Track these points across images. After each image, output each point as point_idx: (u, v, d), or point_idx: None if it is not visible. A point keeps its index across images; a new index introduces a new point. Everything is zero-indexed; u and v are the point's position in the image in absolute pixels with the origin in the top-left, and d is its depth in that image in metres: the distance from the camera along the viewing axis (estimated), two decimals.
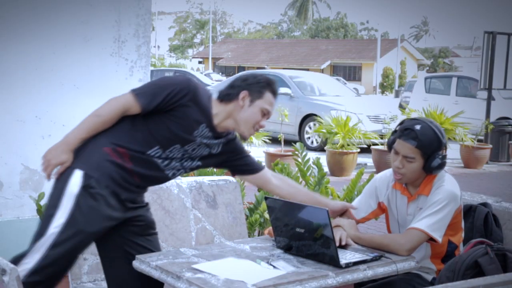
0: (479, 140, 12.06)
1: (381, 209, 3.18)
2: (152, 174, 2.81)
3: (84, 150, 2.82)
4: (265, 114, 2.91)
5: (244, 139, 2.98)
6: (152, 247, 2.92)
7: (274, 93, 2.93)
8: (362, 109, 12.90)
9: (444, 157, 2.97)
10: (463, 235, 3.09)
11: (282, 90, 13.69)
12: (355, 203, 3.24)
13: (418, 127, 2.92)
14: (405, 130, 2.94)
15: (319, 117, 11.88)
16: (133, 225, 2.89)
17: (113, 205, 2.76)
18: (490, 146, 12.00)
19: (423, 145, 2.90)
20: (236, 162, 3.07)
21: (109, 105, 2.82)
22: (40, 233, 2.77)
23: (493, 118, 12.97)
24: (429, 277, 3.03)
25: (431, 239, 2.89)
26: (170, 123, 2.78)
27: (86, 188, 2.71)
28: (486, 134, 12.29)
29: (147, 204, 3.00)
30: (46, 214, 2.77)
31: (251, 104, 2.87)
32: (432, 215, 2.88)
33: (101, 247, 2.94)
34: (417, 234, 2.85)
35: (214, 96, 2.93)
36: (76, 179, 2.72)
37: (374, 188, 3.21)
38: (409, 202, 3.06)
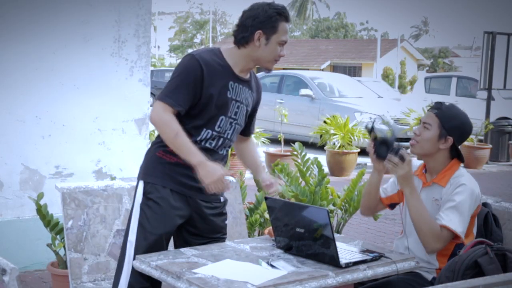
0: (479, 140, 12.07)
1: (400, 196, 3.19)
2: (209, 158, 2.82)
3: (143, 161, 3.01)
4: (283, 44, 2.90)
5: (269, 70, 2.99)
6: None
7: (287, 19, 2.89)
8: (385, 111, 12.04)
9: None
10: (474, 238, 3.09)
11: (303, 91, 13.47)
12: (387, 184, 3.29)
13: (447, 103, 3.08)
14: (434, 104, 3.09)
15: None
16: (194, 225, 2.97)
17: (177, 204, 2.87)
18: (490, 146, 12.00)
19: (444, 115, 3.01)
20: (251, 118, 3.11)
21: (164, 124, 2.81)
22: (122, 252, 2.92)
23: (493, 118, 12.97)
24: (429, 276, 3.03)
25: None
26: (206, 102, 2.82)
27: (145, 195, 2.87)
28: (486, 134, 12.29)
29: (222, 206, 3.05)
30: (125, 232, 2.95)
31: (267, 42, 2.85)
32: (461, 215, 2.92)
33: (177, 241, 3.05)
34: (448, 235, 2.92)
35: (225, 46, 2.97)
36: (139, 190, 2.90)
37: None
38: (423, 187, 3.09)
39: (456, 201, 2.94)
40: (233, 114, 2.92)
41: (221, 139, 2.92)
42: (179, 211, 2.89)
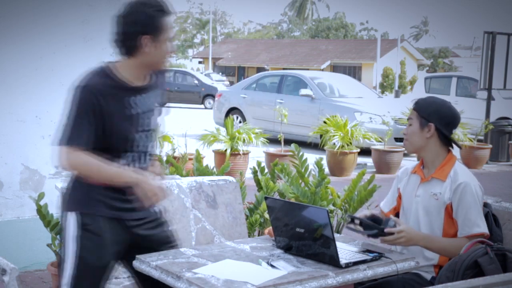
0: (479, 140, 12.06)
1: (399, 196, 3.25)
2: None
3: (71, 191, 2.78)
4: (172, 39, 2.72)
5: (163, 70, 2.86)
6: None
7: (168, 12, 2.68)
8: (386, 111, 12.08)
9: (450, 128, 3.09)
10: None
11: (303, 91, 13.45)
12: (386, 198, 3.35)
13: (425, 97, 3.19)
14: (415, 101, 3.19)
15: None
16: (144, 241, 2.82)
17: (116, 231, 2.74)
18: (490, 146, 12.00)
19: (420, 106, 3.11)
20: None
21: (81, 167, 2.65)
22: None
23: (493, 118, 12.97)
24: (428, 276, 3.03)
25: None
26: (111, 129, 2.66)
27: (83, 227, 2.70)
28: (486, 134, 12.29)
29: (158, 217, 2.91)
30: (61, 267, 2.79)
31: (156, 44, 2.66)
32: (478, 214, 2.99)
33: (127, 267, 2.89)
34: (476, 238, 2.95)
35: (113, 59, 2.78)
36: (72, 222, 2.71)
37: (396, 177, 3.32)
38: (421, 183, 3.13)
39: (467, 203, 2.98)
40: (145, 127, 2.77)
41: (143, 154, 2.80)
42: (119, 237, 2.75)
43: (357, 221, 2.95)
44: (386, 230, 2.89)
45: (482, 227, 2.96)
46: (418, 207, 3.10)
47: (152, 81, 2.82)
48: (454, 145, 3.15)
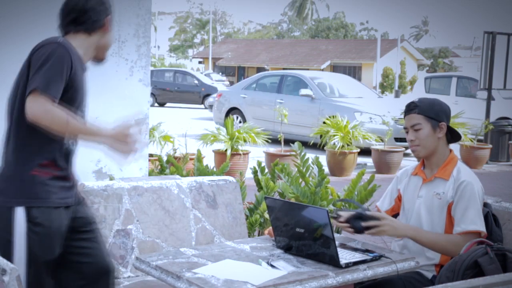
0: (479, 140, 12.06)
1: (399, 198, 3.25)
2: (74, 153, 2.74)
3: (14, 186, 2.60)
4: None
5: (102, 60, 2.89)
6: (94, 243, 2.79)
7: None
8: (386, 111, 11.92)
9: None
10: None
11: (303, 91, 13.45)
12: (383, 197, 3.34)
13: (417, 99, 3.14)
14: (407, 107, 3.13)
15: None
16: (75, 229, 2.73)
17: (65, 221, 2.66)
18: (490, 146, 12.00)
19: (424, 109, 3.07)
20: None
21: (52, 116, 2.49)
22: None
23: (493, 118, 12.97)
24: (429, 275, 3.03)
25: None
26: (73, 92, 2.66)
27: (31, 221, 2.55)
28: (486, 134, 12.28)
29: (83, 199, 2.88)
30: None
31: (110, 28, 2.78)
32: (477, 212, 2.97)
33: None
34: (473, 236, 2.94)
35: (68, 30, 2.76)
36: (20, 217, 2.55)
37: (396, 178, 3.31)
38: (423, 183, 3.12)
39: (467, 201, 2.97)
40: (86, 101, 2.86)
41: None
42: (66, 224, 2.67)
43: (341, 219, 2.95)
44: (368, 213, 2.92)
45: (479, 225, 2.96)
46: (421, 207, 3.10)
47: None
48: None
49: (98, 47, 2.79)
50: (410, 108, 3.11)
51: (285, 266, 2.56)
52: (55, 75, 2.55)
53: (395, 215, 3.25)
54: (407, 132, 3.14)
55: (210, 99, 24.64)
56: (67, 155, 2.70)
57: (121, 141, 2.61)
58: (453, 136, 3.14)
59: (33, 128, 2.53)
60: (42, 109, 2.47)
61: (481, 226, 2.96)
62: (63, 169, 2.68)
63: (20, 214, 2.55)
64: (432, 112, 3.07)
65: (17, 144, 2.62)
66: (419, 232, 2.99)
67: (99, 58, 2.85)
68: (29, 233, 2.55)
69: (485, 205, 3.27)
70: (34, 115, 2.48)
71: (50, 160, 2.63)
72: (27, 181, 2.59)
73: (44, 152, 2.62)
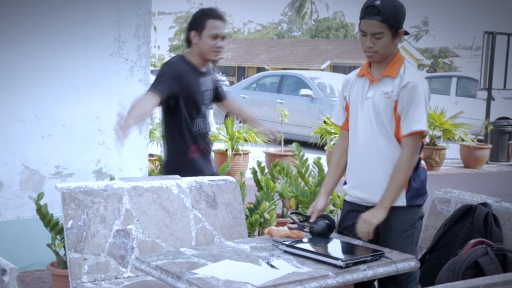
0: (479, 140, 12.06)
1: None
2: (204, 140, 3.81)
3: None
4: (216, 37, 3.61)
5: (213, 62, 3.77)
6: None
7: (216, 17, 3.62)
8: None
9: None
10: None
11: (303, 91, 13.44)
12: (334, 113, 3.29)
13: (378, 1, 2.91)
14: (367, 8, 2.93)
15: None
16: None
17: None
18: (490, 146, 11.99)
19: (388, 17, 2.89)
20: (219, 89, 3.95)
21: (137, 98, 3.50)
22: None
23: (493, 118, 12.97)
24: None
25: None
26: (189, 97, 3.63)
27: None
28: (486, 134, 12.28)
29: None
30: None
31: (200, 37, 3.62)
32: (424, 110, 2.93)
33: None
34: (419, 137, 2.94)
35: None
36: None
37: (342, 88, 3.21)
38: (370, 84, 3.04)
39: (412, 101, 2.91)
40: (207, 101, 3.77)
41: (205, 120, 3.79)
42: None
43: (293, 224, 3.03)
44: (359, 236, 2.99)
45: (423, 124, 2.91)
46: (370, 109, 3.02)
47: (208, 73, 3.78)
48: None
49: (199, 54, 3.69)
50: (373, 13, 2.90)
51: (285, 266, 2.56)
52: (158, 80, 3.64)
53: None
54: (363, 35, 2.96)
55: None
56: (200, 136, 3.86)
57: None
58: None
59: None
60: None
61: (424, 125, 2.92)
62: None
63: None
64: (395, 20, 2.91)
65: None
66: (386, 199, 2.96)
67: (210, 61, 3.76)
68: None
69: (485, 205, 3.27)
70: None
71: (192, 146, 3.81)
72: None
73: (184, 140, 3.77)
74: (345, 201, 3.23)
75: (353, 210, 3.12)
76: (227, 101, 4.06)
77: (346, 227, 3.13)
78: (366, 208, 3.04)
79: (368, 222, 2.96)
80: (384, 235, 3.00)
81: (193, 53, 3.67)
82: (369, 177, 3.04)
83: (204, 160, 3.80)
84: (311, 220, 3.06)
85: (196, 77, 3.66)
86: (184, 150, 3.72)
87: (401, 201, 2.99)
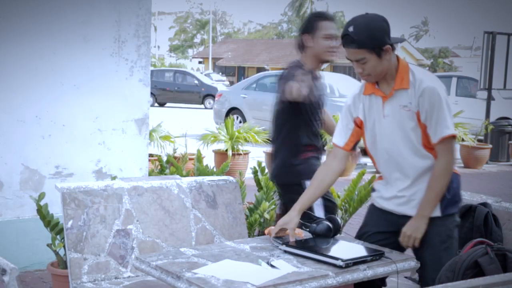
0: (479, 140, 12.06)
1: (358, 126, 3.08)
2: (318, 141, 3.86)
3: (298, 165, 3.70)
4: (330, 38, 3.62)
5: (331, 62, 3.80)
6: None
7: (327, 18, 3.66)
8: None
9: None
10: None
11: None
12: (335, 133, 3.18)
13: (351, 29, 2.84)
14: (342, 38, 2.89)
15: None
16: None
17: None
18: (490, 146, 12.00)
19: (363, 42, 2.82)
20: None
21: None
22: None
23: (493, 118, 12.97)
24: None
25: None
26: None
27: None
28: (486, 134, 12.28)
29: None
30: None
31: (313, 39, 3.64)
32: (449, 115, 2.87)
33: None
34: (452, 141, 2.89)
35: (299, 56, 3.73)
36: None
37: (347, 108, 3.11)
38: (384, 101, 2.95)
39: (435, 107, 2.84)
40: (322, 105, 3.86)
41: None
42: None
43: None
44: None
45: (450, 129, 2.86)
46: (391, 126, 2.95)
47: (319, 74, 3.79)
48: None
49: (315, 56, 3.70)
50: (349, 42, 2.84)
51: (285, 266, 2.56)
52: None
53: (356, 143, 3.12)
54: (351, 61, 2.92)
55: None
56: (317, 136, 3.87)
57: None
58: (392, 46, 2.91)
59: None
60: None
61: (452, 129, 2.87)
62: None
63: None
64: (373, 42, 2.82)
65: None
66: (426, 208, 2.91)
67: (326, 61, 3.77)
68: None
69: (485, 205, 3.26)
70: None
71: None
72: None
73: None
74: (373, 205, 3.16)
75: (382, 216, 3.08)
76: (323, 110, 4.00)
77: (365, 234, 3.09)
78: (397, 217, 3.00)
79: (412, 237, 2.92)
80: (421, 248, 2.95)
81: (308, 57, 3.69)
82: (408, 192, 2.99)
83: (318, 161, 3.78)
84: (291, 240, 2.91)
85: (313, 82, 3.67)
86: (301, 150, 3.69)
87: (436, 212, 2.94)
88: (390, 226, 3.02)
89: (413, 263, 2.78)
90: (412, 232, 2.92)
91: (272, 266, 2.56)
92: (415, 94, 2.88)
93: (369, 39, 2.82)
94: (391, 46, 2.88)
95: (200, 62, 58.96)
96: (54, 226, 4.07)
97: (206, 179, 3.65)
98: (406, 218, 2.96)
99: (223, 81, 37.96)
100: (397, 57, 2.96)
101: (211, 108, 20.41)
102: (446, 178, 2.91)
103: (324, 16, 3.70)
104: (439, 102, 2.85)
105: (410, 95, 2.89)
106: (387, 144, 2.98)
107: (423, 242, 2.94)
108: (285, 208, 3.49)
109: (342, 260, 2.58)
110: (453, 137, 2.88)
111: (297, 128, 3.68)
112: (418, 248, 2.95)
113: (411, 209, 2.97)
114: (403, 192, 2.99)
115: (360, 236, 3.12)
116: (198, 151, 5.53)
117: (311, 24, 3.67)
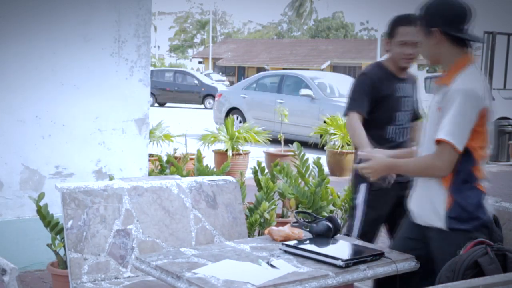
0: None
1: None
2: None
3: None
4: (405, 44, 3.59)
5: (405, 69, 3.72)
6: None
7: (406, 23, 3.55)
8: None
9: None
10: (488, 151, 2.82)
11: (303, 91, 13.43)
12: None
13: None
14: (411, 17, 3.17)
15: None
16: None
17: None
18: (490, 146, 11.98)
19: (421, 17, 2.79)
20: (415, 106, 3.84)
21: (351, 126, 3.66)
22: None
23: (493, 118, 12.96)
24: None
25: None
26: (382, 104, 3.65)
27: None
28: None
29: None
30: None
31: (391, 45, 3.66)
32: (451, 120, 2.64)
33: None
34: (446, 149, 2.64)
35: (384, 56, 3.80)
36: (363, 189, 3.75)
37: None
38: (435, 93, 2.85)
39: (448, 108, 2.66)
40: (405, 107, 3.70)
41: (403, 130, 3.73)
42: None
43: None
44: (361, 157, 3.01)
45: (446, 135, 2.61)
46: (428, 122, 2.86)
47: (407, 79, 3.77)
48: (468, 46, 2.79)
49: (392, 60, 3.71)
50: (415, 19, 2.86)
51: (285, 266, 2.56)
52: (356, 96, 3.74)
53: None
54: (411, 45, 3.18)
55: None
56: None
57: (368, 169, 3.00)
58: (463, 42, 2.78)
59: None
60: (347, 124, 3.78)
61: (445, 135, 2.61)
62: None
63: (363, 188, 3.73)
64: (425, 18, 2.77)
65: None
66: (402, 166, 2.87)
67: (402, 68, 3.73)
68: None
69: None
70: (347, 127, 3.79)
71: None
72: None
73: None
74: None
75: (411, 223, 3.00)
76: (414, 123, 3.82)
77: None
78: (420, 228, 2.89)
79: (365, 169, 2.94)
80: (429, 261, 2.87)
81: (390, 60, 3.72)
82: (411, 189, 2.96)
83: None
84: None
85: (391, 83, 3.68)
86: None
87: (440, 222, 2.77)
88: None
89: (413, 263, 2.78)
90: (368, 166, 2.93)
91: (272, 266, 2.56)
92: (444, 92, 2.75)
93: (425, 14, 2.82)
94: (443, 32, 2.75)
95: (200, 62, 58.97)
96: (54, 226, 4.07)
97: (206, 179, 3.65)
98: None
99: (223, 81, 37.97)
100: (463, 53, 2.80)
101: (211, 108, 20.42)
102: (420, 169, 2.80)
103: (403, 21, 3.61)
104: (451, 104, 2.66)
105: (445, 99, 2.72)
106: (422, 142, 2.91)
107: (427, 257, 2.87)
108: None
109: (342, 260, 2.58)
110: (446, 144, 2.64)
111: (368, 134, 3.61)
112: (426, 262, 2.88)
113: (410, 204, 2.97)
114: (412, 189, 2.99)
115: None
116: (198, 151, 5.53)
117: (390, 28, 3.66)
